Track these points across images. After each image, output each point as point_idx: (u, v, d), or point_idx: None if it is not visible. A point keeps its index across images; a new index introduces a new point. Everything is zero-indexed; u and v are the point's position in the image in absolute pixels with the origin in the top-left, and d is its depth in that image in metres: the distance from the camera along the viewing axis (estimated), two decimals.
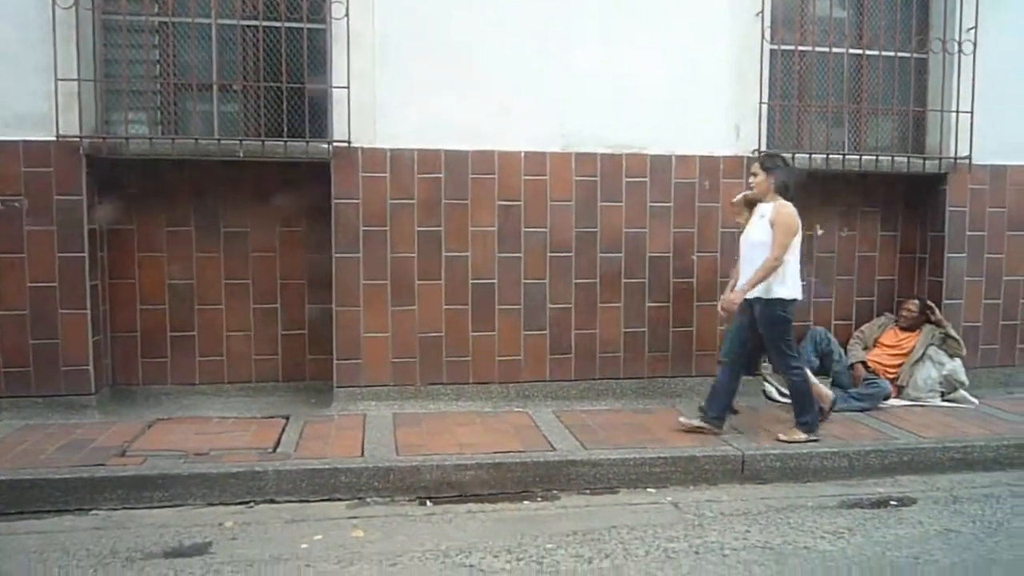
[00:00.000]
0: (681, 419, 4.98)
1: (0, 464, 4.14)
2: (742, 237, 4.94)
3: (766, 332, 4.73)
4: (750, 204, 4.97)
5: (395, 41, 5.23)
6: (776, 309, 4.67)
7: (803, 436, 4.75)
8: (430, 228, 5.39)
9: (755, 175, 4.79)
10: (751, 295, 4.70)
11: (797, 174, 4.89)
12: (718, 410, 4.87)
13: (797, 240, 4.72)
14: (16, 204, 4.95)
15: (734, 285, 4.93)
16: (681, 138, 5.61)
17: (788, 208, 4.70)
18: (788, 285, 4.68)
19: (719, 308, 4.86)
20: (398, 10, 5.21)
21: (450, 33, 5.30)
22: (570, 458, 4.43)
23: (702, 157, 5.66)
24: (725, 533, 3.78)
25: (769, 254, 4.60)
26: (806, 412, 4.79)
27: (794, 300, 4.73)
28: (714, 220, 5.71)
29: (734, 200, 5.16)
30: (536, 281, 5.54)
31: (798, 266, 4.76)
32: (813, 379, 5.16)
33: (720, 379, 4.92)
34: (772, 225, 4.65)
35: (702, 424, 4.87)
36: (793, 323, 4.77)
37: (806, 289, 6.11)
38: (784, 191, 4.74)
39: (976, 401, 5.80)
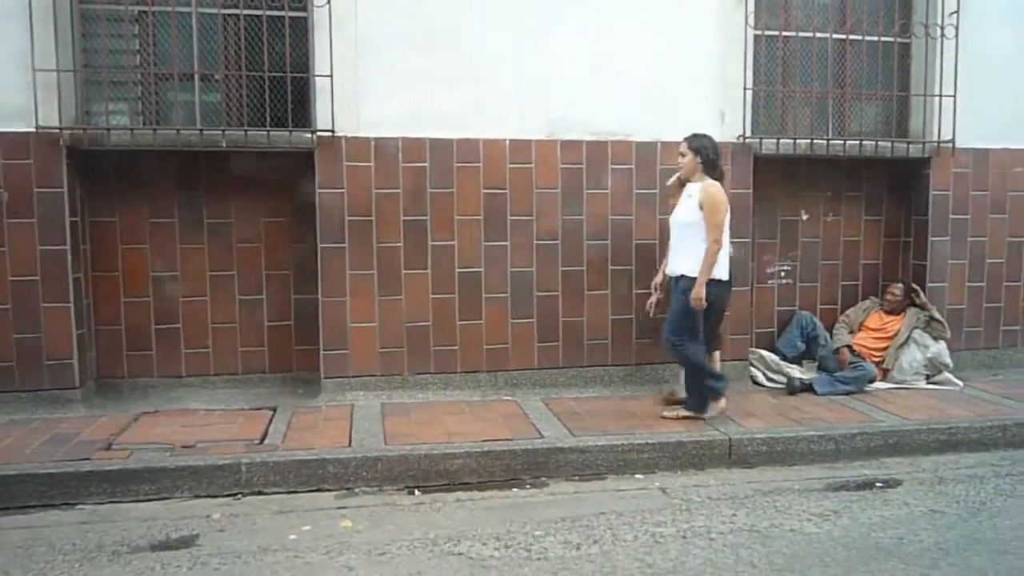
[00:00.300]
0: (665, 413, 4.98)
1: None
2: (671, 218, 4.96)
3: (678, 299, 4.74)
4: (682, 185, 4.97)
5: (378, 28, 5.19)
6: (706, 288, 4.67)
7: (686, 412, 4.87)
8: (416, 217, 5.37)
9: (683, 155, 4.82)
10: (677, 272, 4.78)
11: (719, 149, 4.90)
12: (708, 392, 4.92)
13: (726, 219, 4.74)
14: None
15: (665, 266, 5.03)
16: (666, 124, 5.59)
17: (715, 187, 4.71)
18: (717, 266, 4.68)
19: (691, 303, 4.66)
20: None
21: (434, 20, 5.27)
22: (558, 445, 4.44)
23: None
24: (712, 517, 3.80)
25: (707, 239, 4.63)
26: (695, 391, 4.86)
27: (719, 281, 4.72)
28: None
29: (668, 183, 5.13)
30: (523, 269, 5.54)
31: (727, 247, 4.79)
32: (716, 362, 5.21)
33: (681, 362, 4.96)
34: (701, 206, 4.66)
35: (687, 413, 4.92)
36: (714, 304, 4.76)
37: (792, 273, 6.24)
38: (712, 170, 4.78)
39: (961, 383, 5.85)
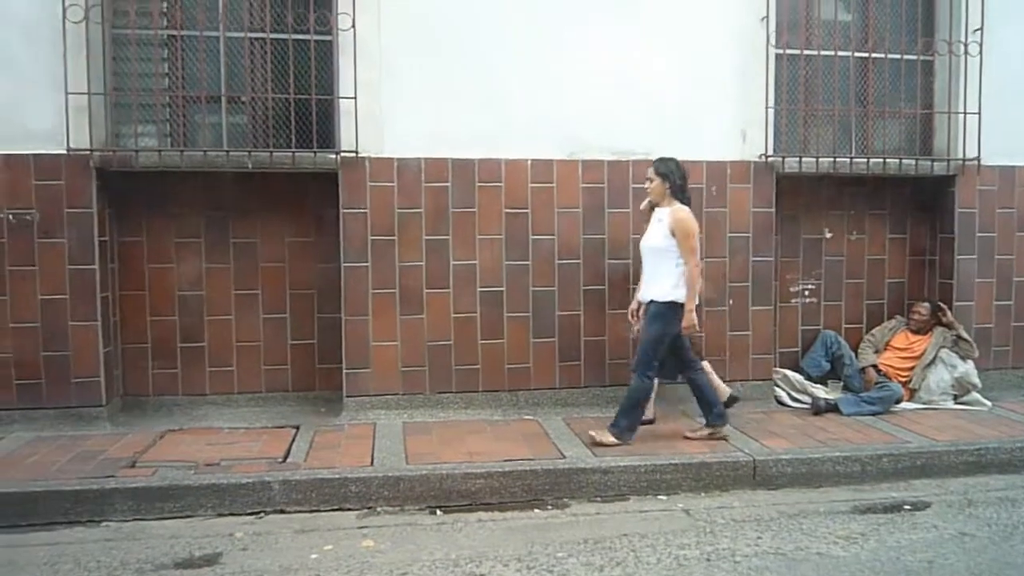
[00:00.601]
0: (687, 433, 4.94)
1: (12, 475, 4.16)
2: (642, 242, 4.92)
3: (647, 328, 4.70)
4: (652, 210, 4.93)
5: (401, 51, 5.26)
6: (670, 311, 4.65)
7: (611, 439, 4.71)
8: (438, 237, 5.40)
9: (650, 180, 4.79)
10: (647, 297, 4.76)
11: (686, 173, 4.84)
12: (713, 411, 4.88)
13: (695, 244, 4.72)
14: (28, 217, 5.00)
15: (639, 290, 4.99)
16: (688, 144, 5.57)
17: (685, 212, 4.70)
18: (682, 290, 4.66)
19: (682, 330, 4.70)
20: (404, 20, 5.25)
21: (456, 42, 5.33)
22: (580, 466, 4.41)
23: (709, 163, 5.66)
24: (737, 540, 3.75)
25: (686, 264, 4.62)
26: (625, 417, 4.75)
27: (680, 305, 4.67)
28: (722, 225, 5.70)
29: (641, 207, 5.09)
30: (544, 288, 5.54)
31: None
32: (714, 377, 5.20)
33: (693, 383, 4.91)
34: (673, 233, 4.65)
35: (711, 430, 4.87)
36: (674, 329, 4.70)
37: (816, 292, 6.19)
38: (680, 194, 4.75)
39: (989, 403, 5.75)
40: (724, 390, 5.24)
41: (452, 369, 5.46)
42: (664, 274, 4.68)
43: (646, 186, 4.86)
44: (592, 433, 4.79)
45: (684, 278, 4.64)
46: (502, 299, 5.49)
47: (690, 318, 4.64)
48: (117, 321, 5.39)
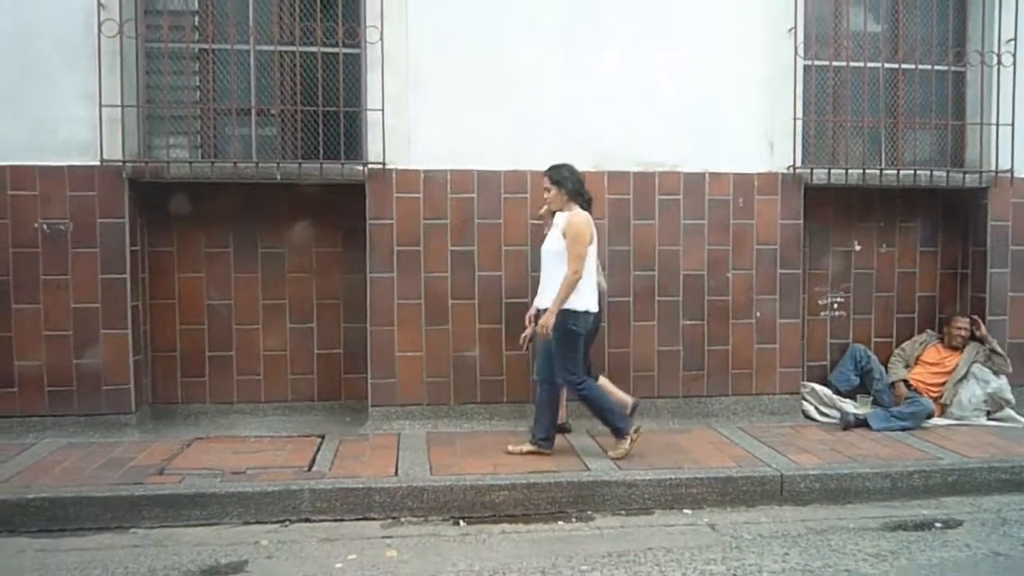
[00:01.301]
0: (510, 447, 4.80)
1: (43, 482, 4.23)
2: (542, 248, 4.82)
3: (552, 342, 4.58)
4: (553, 215, 4.83)
5: (428, 64, 5.30)
6: (567, 322, 4.53)
7: (626, 443, 4.67)
8: (463, 248, 5.42)
9: (548, 190, 4.69)
10: (543, 304, 4.63)
11: (582, 177, 4.77)
12: (545, 431, 4.75)
13: (592, 250, 4.63)
14: (61, 227, 5.09)
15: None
16: (715, 155, 5.58)
17: (579, 218, 4.59)
18: (581, 296, 4.55)
19: (537, 328, 4.60)
20: (431, 34, 5.29)
21: (482, 55, 5.36)
22: (604, 478, 4.39)
23: (736, 174, 5.63)
24: (764, 556, 3.71)
25: (567, 268, 4.49)
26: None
27: (587, 312, 4.59)
28: (749, 237, 5.66)
29: (540, 212, 4.99)
30: None
31: (593, 277, 4.67)
32: (612, 388, 5.10)
33: (540, 398, 4.77)
34: (564, 236, 4.55)
35: (533, 447, 4.74)
36: (585, 336, 4.65)
37: (845, 305, 6.12)
38: (579, 198, 4.67)
39: (1023, 420, 5.63)
40: (562, 416, 5.14)
41: (477, 380, 5.47)
42: (559, 280, 4.55)
43: (545, 196, 4.74)
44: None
45: (582, 284, 4.52)
46: (527, 310, 5.48)
47: (548, 319, 4.49)
48: (147, 330, 5.47)
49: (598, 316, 4.87)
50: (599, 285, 4.86)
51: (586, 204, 4.74)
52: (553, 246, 4.66)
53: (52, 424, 5.11)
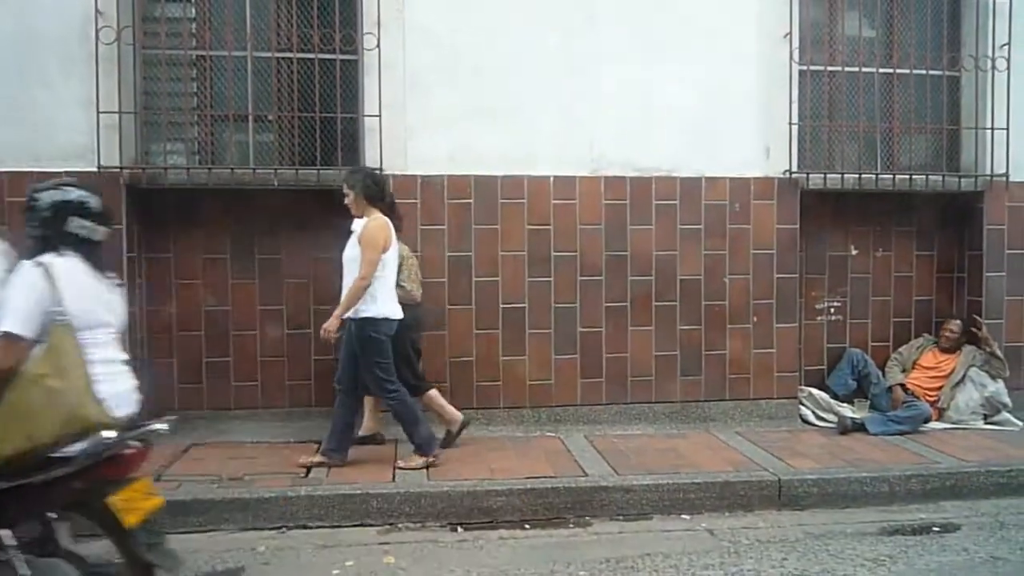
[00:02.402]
0: (301, 459, 4.63)
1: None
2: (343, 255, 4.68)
3: (359, 353, 4.48)
4: None
5: (425, 70, 5.31)
6: (366, 329, 4.42)
7: (420, 461, 4.55)
8: (460, 253, 5.42)
9: (346, 195, 4.57)
10: (347, 315, 4.47)
11: (383, 179, 4.69)
12: (336, 442, 4.61)
13: (389, 256, 4.50)
14: None
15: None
16: (711, 160, 5.60)
17: (375, 223, 4.46)
18: (378, 304, 4.43)
19: (320, 333, 4.49)
20: (428, 40, 5.31)
21: (479, 61, 5.37)
22: (602, 484, 4.39)
23: (732, 179, 5.64)
24: (762, 561, 3.71)
25: (358, 274, 4.39)
26: (416, 435, 4.58)
27: (387, 320, 4.47)
28: (746, 242, 5.67)
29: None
30: (567, 305, 5.54)
31: (391, 283, 4.55)
32: (441, 400, 5.02)
33: (337, 408, 4.67)
34: (359, 242, 4.45)
35: (321, 458, 4.59)
36: (389, 343, 4.49)
37: (841, 310, 6.13)
38: (377, 202, 4.54)
39: (1020, 424, 5.66)
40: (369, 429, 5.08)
41: (474, 385, 5.47)
42: None
43: (345, 201, 4.59)
44: (400, 462, 4.61)
45: (373, 290, 4.40)
46: (524, 315, 5.50)
47: (333, 323, 4.38)
48: (144, 336, 5.46)
49: (417, 324, 4.80)
50: (410, 294, 4.78)
51: (388, 209, 4.59)
52: (349, 251, 4.51)
53: None
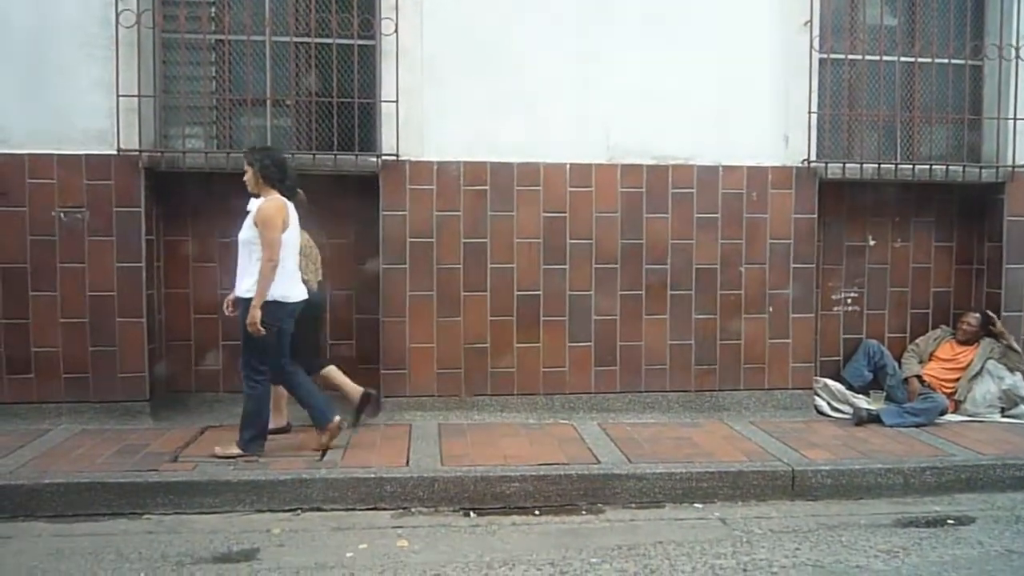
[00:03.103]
0: (217, 448, 4.52)
1: (58, 467, 4.28)
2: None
3: (244, 330, 4.35)
4: None
5: (442, 56, 5.30)
6: (257, 311, 4.29)
7: (236, 451, 4.43)
8: (476, 240, 5.42)
9: (245, 171, 4.47)
10: (238, 294, 4.44)
11: (284, 161, 4.54)
12: (318, 414, 4.57)
13: (289, 236, 4.42)
14: (78, 215, 5.14)
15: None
16: (728, 148, 5.56)
17: (270, 203, 4.36)
18: (276, 285, 4.32)
19: (248, 327, 4.32)
20: (445, 26, 5.29)
21: (497, 47, 5.35)
22: (615, 471, 4.39)
23: (750, 167, 5.60)
24: (774, 551, 3.70)
25: (262, 255, 4.29)
26: (248, 429, 4.47)
27: (278, 302, 4.34)
28: (762, 231, 5.64)
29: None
30: (581, 292, 5.53)
31: (291, 264, 4.46)
32: (340, 377, 4.99)
33: (295, 391, 4.63)
34: (256, 224, 4.35)
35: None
36: (282, 327, 4.40)
37: (858, 300, 6.08)
38: (277, 182, 4.44)
39: None
40: (355, 390, 5.05)
41: (488, 372, 5.48)
42: (252, 268, 4.36)
43: (244, 178, 4.49)
44: (217, 448, 4.51)
45: (273, 272, 4.30)
46: (539, 302, 5.50)
47: (255, 314, 4.25)
48: (162, 318, 5.51)
49: (317, 304, 4.74)
50: (307, 285, 4.66)
51: (288, 190, 4.50)
52: (243, 233, 4.43)
53: (68, 410, 5.16)
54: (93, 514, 4.00)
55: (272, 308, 4.32)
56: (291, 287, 4.46)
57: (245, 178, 4.49)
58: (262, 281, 4.29)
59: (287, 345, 4.53)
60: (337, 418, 4.58)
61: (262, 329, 4.28)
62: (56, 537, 3.76)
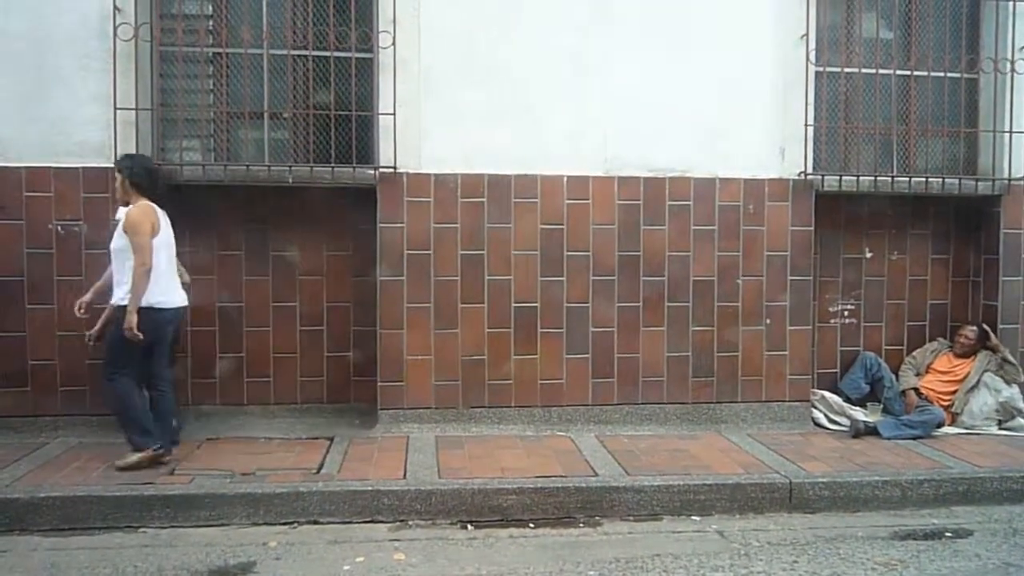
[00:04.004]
0: (118, 462, 4.45)
1: (54, 481, 4.26)
2: None
3: (114, 332, 4.38)
4: None
5: (440, 69, 5.32)
6: (120, 319, 4.32)
7: (136, 457, 4.40)
8: (473, 252, 5.43)
9: (116, 179, 4.51)
10: (113, 301, 4.45)
11: (155, 170, 4.61)
12: (140, 431, 4.48)
13: (161, 241, 4.43)
14: (75, 228, 5.14)
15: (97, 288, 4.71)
16: (725, 161, 5.58)
17: (137, 209, 4.38)
18: (152, 291, 4.34)
19: (124, 333, 4.30)
20: (443, 38, 5.31)
21: (494, 60, 5.38)
22: (613, 484, 4.39)
23: (747, 180, 5.62)
24: (772, 563, 3.69)
25: (134, 261, 4.29)
26: (130, 428, 4.45)
27: (162, 308, 4.39)
28: (759, 243, 5.65)
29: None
30: (579, 304, 5.53)
31: (163, 271, 4.46)
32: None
33: (159, 401, 4.61)
34: (125, 231, 4.37)
35: (141, 455, 4.44)
36: (154, 335, 4.40)
37: (855, 313, 6.09)
38: (146, 189, 4.48)
39: None
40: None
41: (485, 384, 5.47)
42: (125, 275, 4.37)
43: (116, 184, 4.52)
44: (117, 462, 4.43)
45: (147, 277, 4.32)
46: (536, 314, 5.50)
47: (130, 320, 4.25)
48: None
49: (175, 312, 4.59)
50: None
51: (160, 199, 4.53)
52: (114, 243, 4.45)
53: (65, 424, 5.14)
54: (89, 528, 3.99)
55: (150, 314, 4.34)
56: (168, 293, 4.49)
57: (116, 184, 4.55)
58: (135, 287, 4.30)
59: (166, 353, 4.56)
60: (160, 450, 4.50)
61: (139, 334, 4.28)
62: (52, 551, 3.74)
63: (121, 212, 4.51)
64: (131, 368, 4.47)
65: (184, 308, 4.68)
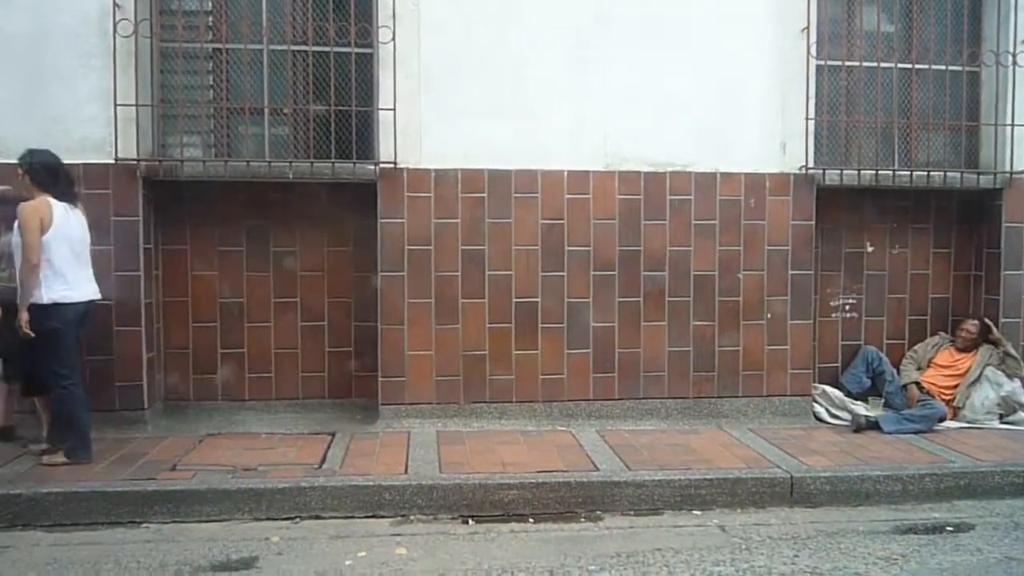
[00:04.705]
0: (44, 458, 4.46)
1: (57, 476, 4.27)
2: None
3: (37, 335, 4.28)
4: None
5: (440, 64, 5.31)
6: (37, 318, 4.24)
7: (62, 459, 4.40)
8: (474, 247, 5.43)
9: (18, 175, 4.42)
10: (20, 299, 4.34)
11: (55, 165, 4.46)
12: (74, 438, 4.48)
13: (59, 235, 4.32)
14: None
15: None
16: (726, 155, 5.57)
17: (30, 204, 4.28)
18: (48, 288, 4.28)
19: (20, 332, 4.26)
20: (442, 34, 5.31)
21: (493, 55, 5.37)
22: (614, 479, 4.39)
23: (747, 174, 5.61)
24: (773, 557, 3.70)
25: (21, 258, 4.25)
26: (67, 438, 4.43)
27: (56, 304, 4.29)
28: (760, 238, 5.64)
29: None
30: (579, 299, 5.53)
31: (65, 265, 4.36)
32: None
33: (55, 403, 4.54)
34: (21, 227, 4.28)
35: (64, 458, 4.43)
36: (65, 330, 4.35)
37: (857, 307, 6.08)
38: (50, 185, 4.38)
39: None
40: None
41: (486, 379, 5.48)
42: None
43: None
44: (44, 457, 4.45)
45: (45, 275, 4.25)
46: (537, 309, 5.50)
47: (21, 315, 4.20)
48: (160, 327, 5.51)
49: (85, 305, 4.50)
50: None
51: (62, 194, 4.43)
52: (14, 236, 4.37)
53: None
54: (91, 523, 4.00)
55: (47, 311, 4.28)
56: (67, 289, 4.38)
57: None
58: (23, 283, 4.26)
59: (73, 348, 4.50)
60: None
61: (30, 332, 4.23)
62: (54, 546, 3.75)
63: (20, 208, 4.38)
64: (75, 367, 4.46)
65: (88, 304, 4.52)
